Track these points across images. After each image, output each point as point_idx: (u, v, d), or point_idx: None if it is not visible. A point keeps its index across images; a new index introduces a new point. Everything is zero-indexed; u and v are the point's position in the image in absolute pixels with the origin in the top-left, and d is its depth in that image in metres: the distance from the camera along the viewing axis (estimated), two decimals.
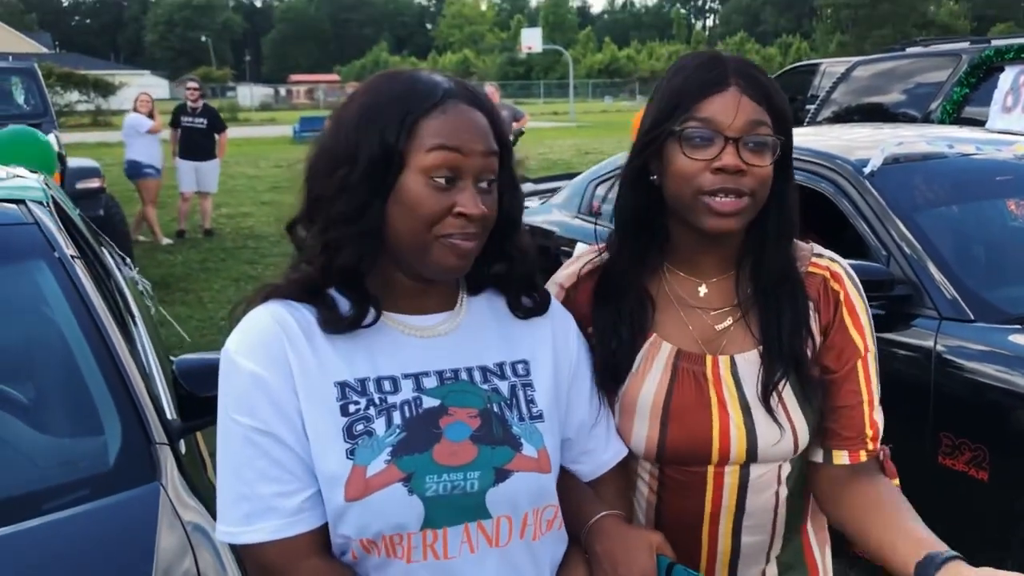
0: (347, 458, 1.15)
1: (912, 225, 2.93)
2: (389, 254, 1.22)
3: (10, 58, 10.50)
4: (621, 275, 1.44)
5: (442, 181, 1.16)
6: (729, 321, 1.43)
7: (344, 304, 1.22)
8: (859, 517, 1.36)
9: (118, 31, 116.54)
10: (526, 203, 5.37)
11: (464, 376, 1.24)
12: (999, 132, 4.38)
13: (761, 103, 1.32)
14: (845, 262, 1.47)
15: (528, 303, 1.33)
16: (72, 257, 2.17)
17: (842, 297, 1.41)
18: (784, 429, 1.37)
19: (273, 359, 1.17)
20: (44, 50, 63.96)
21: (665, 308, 1.44)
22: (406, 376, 1.21)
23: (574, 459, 1.38)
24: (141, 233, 10.39)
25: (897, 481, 1.41)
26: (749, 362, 1.40)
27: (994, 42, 5.97)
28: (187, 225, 10.88)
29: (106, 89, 37.26)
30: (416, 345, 1.24)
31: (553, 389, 1.30)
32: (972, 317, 2.67)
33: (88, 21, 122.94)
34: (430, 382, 1.22)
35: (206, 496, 1.86)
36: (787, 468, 1.43)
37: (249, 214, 12.55)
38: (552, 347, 1.33)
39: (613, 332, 1.42)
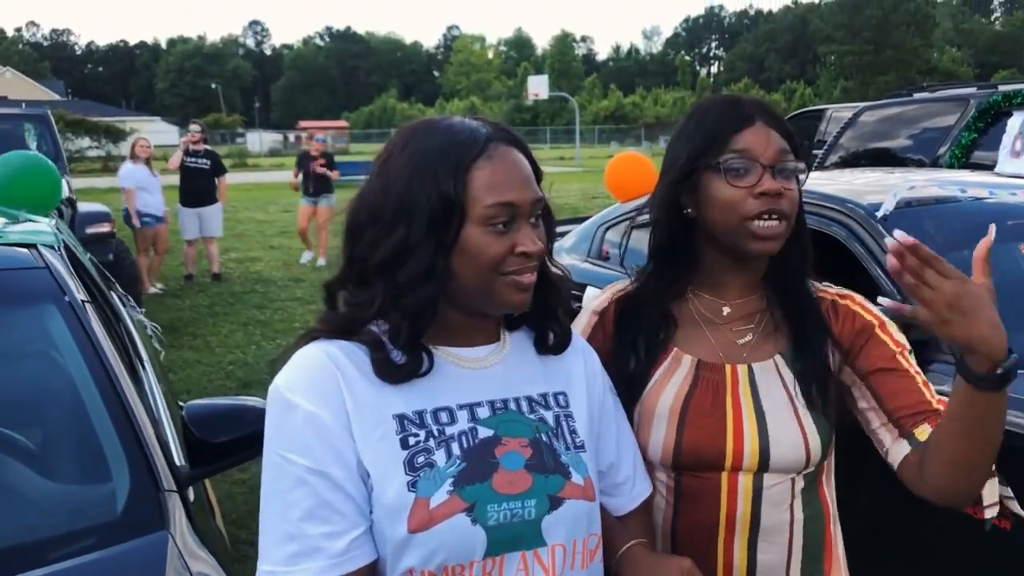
0: (409, 490, 1.16)
1: None
2: (445, 295, 1.24)
3: (23, 105, 10.63)
4: (646, 298, 1.56)
5: (501, 227, 1.20)
6: (750, 336, 1.53)
7: (397, 352, 1.23)
8: (938, 445, 1.35)
9: (130, 78, 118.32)
10: None
11: (513, 406, 1.28)
12: (1009, 176, 4.37)
13: (784, 135, 1.46)
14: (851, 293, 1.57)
15: (552, 339, 1.37)
16: (83, 301, 2.15)
17: (856, 305, 1.53)
18: (797, 438, 1.44)
19: (326, 395, 1.18)
20: (57, 97, 64.96)
21: (689, 325, 1.55)
22: (461, 407, 1.24)
23: (605, 492, 1.41)
24: (158, 281, 10.40)
25: None
26: (766, 371, 1.49)
27: (1002, 87, 5.99)
28: (195, 269, 10.90)
29: (116, 135, 37.74)
30: (468, 376, 1.27)
31: (588, 421, 1.35)
32: None
33: (100, 69, 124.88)
34: (483, 412, 1.25)
35: (214, 545, 1.82)
36: (800, 483, 1.48)
37: (258, 258, 12.59)
38: (585, 382, 1.38)
39: (632, 347, 1.53)
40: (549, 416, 1.30)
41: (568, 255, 4.70)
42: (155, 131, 48.87)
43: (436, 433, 1.20)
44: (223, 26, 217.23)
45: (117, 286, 3.96)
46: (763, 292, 1.55)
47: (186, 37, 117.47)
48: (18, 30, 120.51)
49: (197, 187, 10.46)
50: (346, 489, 1.16)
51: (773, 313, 1.54)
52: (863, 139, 6.86)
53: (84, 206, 7.73)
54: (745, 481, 1.45)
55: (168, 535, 1.66)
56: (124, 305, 3.61)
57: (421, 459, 1.18)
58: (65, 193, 7.29)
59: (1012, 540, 2.43)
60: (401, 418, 1.20)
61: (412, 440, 1.19)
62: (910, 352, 1.51)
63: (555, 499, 1.22)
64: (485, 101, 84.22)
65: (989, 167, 5.61)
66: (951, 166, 5.79)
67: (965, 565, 2.61)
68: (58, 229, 2.82)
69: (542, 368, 1.35)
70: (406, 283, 1.19)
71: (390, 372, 1.21)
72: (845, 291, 1.58)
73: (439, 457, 1.19)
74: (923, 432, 1.40)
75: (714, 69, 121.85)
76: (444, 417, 1.22)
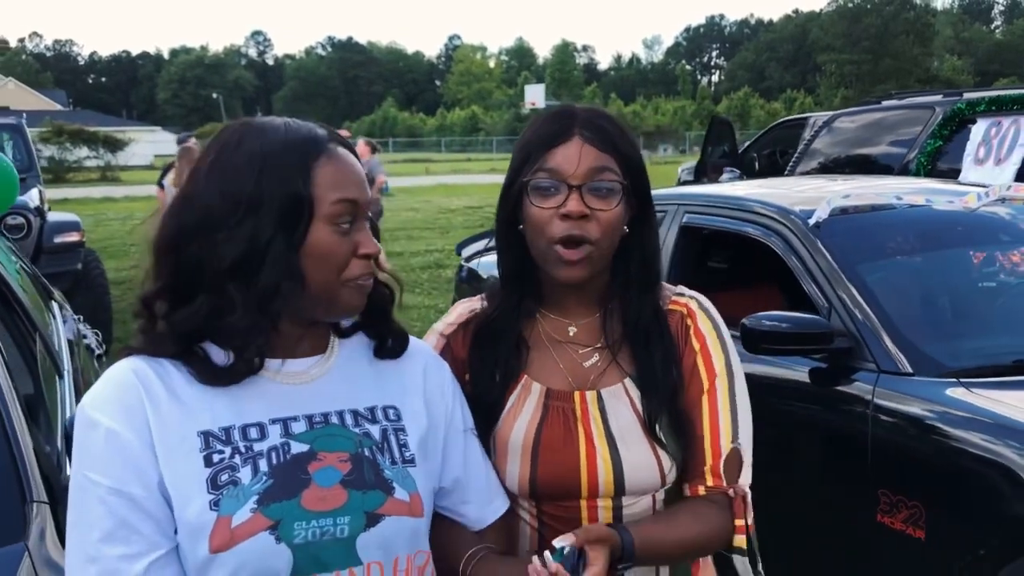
0: (211, 509, 1.13)
1: (853, 276, 2.88)
2: None
3: (24, 115, 10.66)
4: (498, 322, 1.50)
5: (346, 226, 1.20)
6: (597, 358, 1.48)
7: (217, 354, 1.20)
8: None
9: (132, 89, 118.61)
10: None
11: (335, 420, 1.24)
12: (971, 184, 4.35)
13: (607, 150, 1.40)
14: (705, 300, 1.52)
15: (388, 343, 1.34)
16: None
17: (692, 331, 1.47)
18: (650, 461, 1.40)
19: (129, 413, 1.15)
20: (59, 107, 65.12)
21: (538, 348, 1.50)
22: (273, 421, 1.20)
23: (452, 509, 1.38)
24: None
25: (742, 522, 1.41)
26: (615, 396, 1.45)
27: (966, 95, 5.98)
28: None
29: (115, 145, 37.82)
30: (285, 390, 1.23)
31: (425, 437, 1.31)
32: (910, 370, 2.60)
33: (103, 79, 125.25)
34: (299, 427, 1.21)
35: None
36: (661, 495, 1.44)
37: None
38: (423, 396, 1.34)
39: (487, 375, 1.47)
40: (375, 430, 1.25)
41: None
42: (157, 141, 48.93)
43: (243, 449, 1.16)
44: (225, 36, 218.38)
45: (57, 294, 3.95)
46: (606, 312, 1.49)
47: (188, 47, 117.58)
48: (21, 41, 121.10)
49: None
50: (147, 509, 1.12)
51: (618, 335, 1.47)
52: (835, 146, 6.86)
53: (53, 216, 7.67)
54: (604, 505, 1.42)
55: (24, 547, 1.63)
56: (60, 314, 3.59)
57: (225, 476, 1.14)
58: (35, 202, 7.30)
59: (924, 551, 2.41)
60: (206, 435, 1.16)
61: (216, 457, 1.15)
62: (730, 379, 1.45)
63: (373, 516, 1.18)
64: (486, 110, 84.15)
65: (956, 174, 5.60)
66: (917, 173, 5.78)
67: (882, 571, 2.58)
68: None
69: (374, 380, 1.31)
70: (271, 286, 1.16)
71: (219, 375, 1.18)
72: (694, 303, 1.50)
73: (244, 474, 1.15)
74: (684, 491, 1.44)
75: (715, 78, 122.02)
76: (254, 433, 1.18)
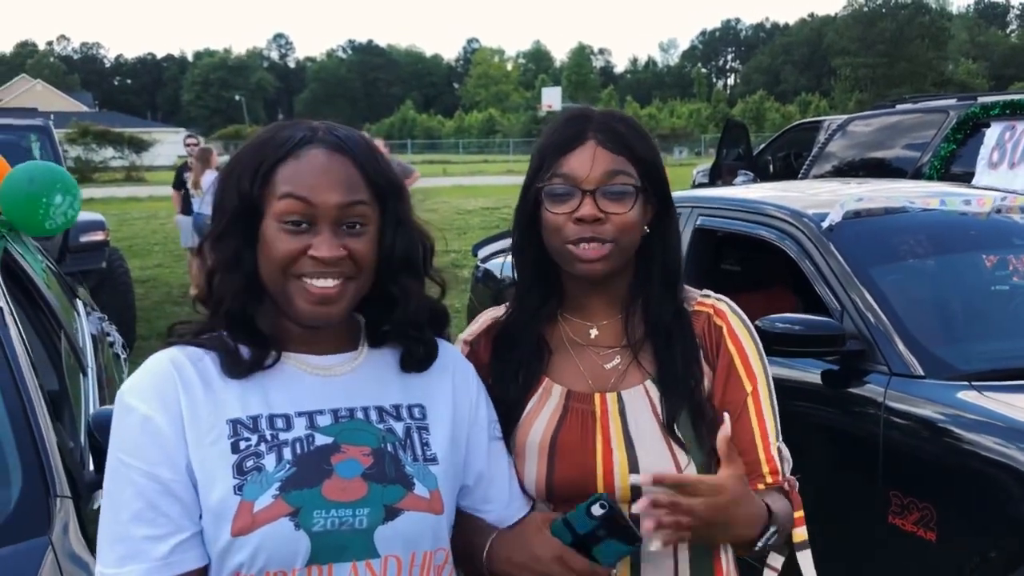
0: (235, 493, 1.17)
1: (866, 279, 2.90)
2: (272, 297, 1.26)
3: (51, 116, 10.75)
4: (519, 326, 1.50)
5: (293, 225, 1.20)
6: (618, 360, 1.46)
7: (244, 347, 1.25)
8: None
9: (157, 90, 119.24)
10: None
11: (360, 415, 1.27)
12: (985, 188, 4.35)
13: (622, 153, 1.39)
14: (733, 303, 1.50)
15: (417, 354, 1.34)
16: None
17: (725, 331, 1.45)
18: (669, 467, 1.38)
19: (164, 401, 1.20)
20: (85, 109, 65.53)
21: (559, 351, 1.49)
22: (300, 414, 1.24)
23: (476, 507, 1.40)
24: None
25: (800, 513, 1.42)
26: (634, 397, 1.44)
27: (980, 98, 5.97)
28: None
29: (139, 146, 38.21)
30: (313, 383, 1.27)
31: (450, 436, 1.33)
32: (922, 373, 2.61)
33: (129, 81, 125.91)
34: (324, 420, 1.25)
35: None
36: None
37: None
38: (452, 398, 1.36)
39: (509, 378, 1.47)
40: (399, 427, 1.28)
41: None
42: (180, 142, 49.16)
43: (269, 438, 1.20)
44: (248, 39, 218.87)
45: (83, 292, 4.00)
46: (628, 312, 1.47)
47: (212, 50, 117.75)
48: (49, 44, 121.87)
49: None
50: (175, 492, 1.17)
51: (640, 334, 1.46)
52: (849, 150, 6.85)
53: (80, 215, 7.75)
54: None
55: (48, 541, 1.67)
56: (87, 314, 3.65)
57: (250, 463, 1.18)
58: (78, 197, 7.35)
59: (935, 552, 2.42)
60: (235, 423, 1.21)
61: (243, 444, 1.20)
62: (767, 381, 1.45)
63: (392, 509, 1.20)
64: (503, 113, 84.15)
65: (969, 178, 5.58)
66: (931, 177, 5.77)
67: (892, 572, 2.60)
68: (4, 236, 2.85)
69: (399, 381, 1.33)
70: (214, 271, 1.24)
71: (235, 366, 1.23)
72: (723, 304, 1.48)
73: (268, 461, 1.19)
74: None
75: (730, 81, 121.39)
76: (280, 423, 1.22)
